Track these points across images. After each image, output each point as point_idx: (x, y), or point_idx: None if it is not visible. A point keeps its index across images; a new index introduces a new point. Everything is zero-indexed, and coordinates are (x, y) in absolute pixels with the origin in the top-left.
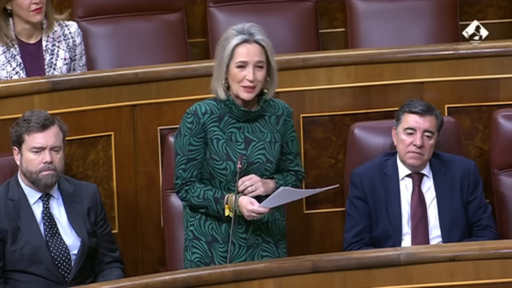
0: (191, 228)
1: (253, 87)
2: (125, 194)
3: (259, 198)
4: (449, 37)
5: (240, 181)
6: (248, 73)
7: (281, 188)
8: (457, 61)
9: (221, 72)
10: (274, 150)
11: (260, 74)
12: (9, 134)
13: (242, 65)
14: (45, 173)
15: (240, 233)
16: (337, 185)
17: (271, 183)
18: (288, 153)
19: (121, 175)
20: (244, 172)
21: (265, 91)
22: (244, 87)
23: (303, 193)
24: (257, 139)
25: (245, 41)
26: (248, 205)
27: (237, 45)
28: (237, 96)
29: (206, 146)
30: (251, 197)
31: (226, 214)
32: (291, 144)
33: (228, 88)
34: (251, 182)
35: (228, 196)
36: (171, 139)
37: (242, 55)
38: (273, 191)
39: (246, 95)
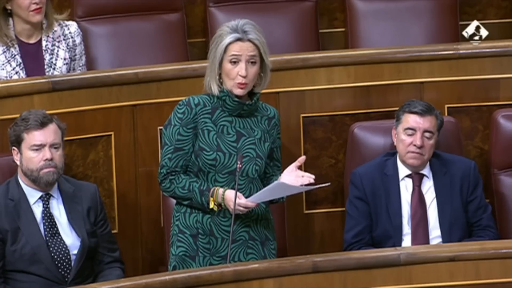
0: (177, 222)
1: (246, 83)
2: (125, 194)
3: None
4: (449, 37)
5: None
6: (240, 68)
7: (276, 182)
8: (457, 61)
9: (214, 68)
10: (264, 148)
11: (253, 70)
12: (8, 134)
13: (235, 60)
14: (46, 170)
15: (224, 226)
16: (329, 184)
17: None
18: (277, 160)
19: (121, 175)
20: (235, 166)
21: (255, 86)
22: (237, 83)
23: (295, 189)
24: (248, 134)
25: (238, 39)
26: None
27: (230, 43)
28: (230, 92)
29: (195, 137)
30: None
31: (211, 206)
32: (279, 151)
33: (221, 84)
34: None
35: (214, 189)
36: None
37: (235, 50)
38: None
39: (239, 91)
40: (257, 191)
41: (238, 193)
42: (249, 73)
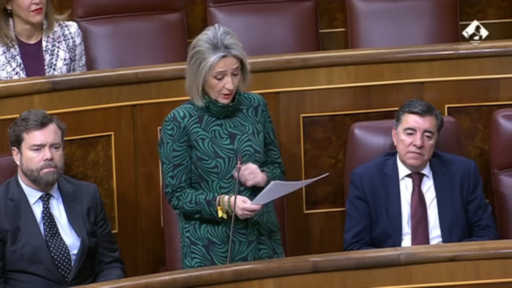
0: (187, 234)
1: (231, 93)
2: (125, 194)
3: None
4: (449, 37)
5: (239, 174)
6: (226, 82)
7: (272, 182)
8: (457, 61)
9: (196, 82)
10: (259, 140)
11: (237, 79)
12: (8, 134)
13: (221, 77)
14: (46, 170)
15: (239, 229)
16: (327, 174)
17: (263, 174)
18: (270, 144)
19: (121, 175)
20: (235, 167)
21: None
22: (223, 95)
23: (294, 185)
24: (241, 132)
25: (222, 57)
26: (241, 204)
27: (214, 63)
28: (215, 100)
29: (191, 149)
30: (249, 188)
31: (220, 215)
32: (272, 135)
33: (203, 93)
34: (249, 171)
35: (220, 198)
36: None
37: (220, 67)
38: (266, 183)
39: (225, 101)
40: (261, 190)
41: (244, 198)
42: (234, 84)
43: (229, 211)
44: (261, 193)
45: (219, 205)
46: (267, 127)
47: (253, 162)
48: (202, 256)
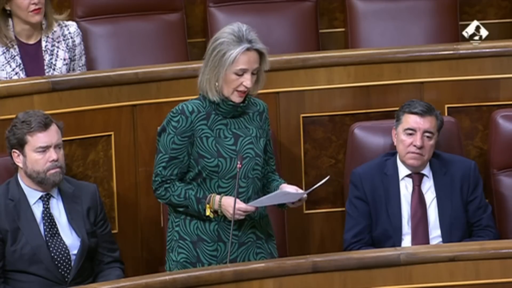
0: (177, 228)
1: (246, 92)
2: (125, 194)
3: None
4: (449, 37)
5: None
6: (245, 79)
7: (280, 190)
8: (457, 61)
9: (216, 74)
10: (260, 145)
11: (254, 79)
12: (6, 137)
13: (241, 73)
14: (52, 171)
15: (232, 230)
16: (328, 177)
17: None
18: (270, 152)
19: (121, 175)
20: (235, 167)
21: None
22: (238, 91)
23: (297, 195)
24: (244, 134)
25: (247, 50)
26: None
27: (239, 54)
28: (227, 98)
29: (191, 146)
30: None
31: (207, 214)
32: (270, 144)
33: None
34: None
35: (211, 196)
36: None
37: (243, 63)
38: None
39: (238, 99)
40: (257, 192)
41: (237, 199)
42: (252, 82)
43: (218, 211)
44: (264, 197)
45: (208, 203)
46: (268, 135)
47: (253, 166)
48: (188, 252)
